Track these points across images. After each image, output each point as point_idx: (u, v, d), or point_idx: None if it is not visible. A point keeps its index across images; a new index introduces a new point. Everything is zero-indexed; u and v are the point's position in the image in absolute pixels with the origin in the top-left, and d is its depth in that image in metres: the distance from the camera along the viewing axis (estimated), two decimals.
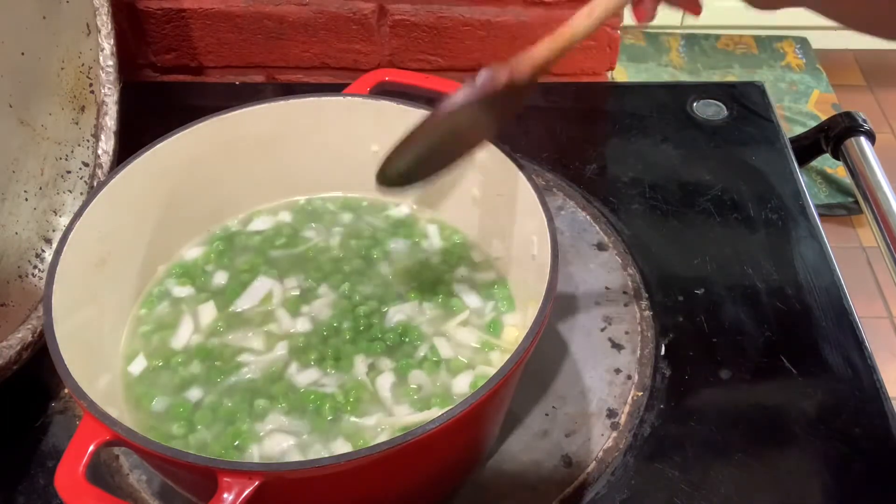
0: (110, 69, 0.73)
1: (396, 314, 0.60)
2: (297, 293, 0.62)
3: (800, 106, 2.05)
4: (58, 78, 0.71)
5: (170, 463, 0.44)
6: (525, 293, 0.60)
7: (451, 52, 0.91)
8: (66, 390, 0.63)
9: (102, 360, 0.56)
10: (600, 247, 0.74)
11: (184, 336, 0.60)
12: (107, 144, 0.73)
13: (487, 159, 0.60)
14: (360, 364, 0.57)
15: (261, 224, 0.68)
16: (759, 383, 0.65)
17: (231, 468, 0.42)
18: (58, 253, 0.52)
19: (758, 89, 0.90)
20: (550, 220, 0.53)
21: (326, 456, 0.52)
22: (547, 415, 0.62)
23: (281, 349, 0.58)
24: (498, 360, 0.58)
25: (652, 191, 0.79)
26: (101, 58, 0.73)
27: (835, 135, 0.83)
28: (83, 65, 0.73)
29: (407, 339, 0.59)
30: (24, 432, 0.62)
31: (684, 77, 2.09)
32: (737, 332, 0.68)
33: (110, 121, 0.73)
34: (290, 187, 0.69)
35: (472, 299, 0.62)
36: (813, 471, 0.60)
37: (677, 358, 0.66)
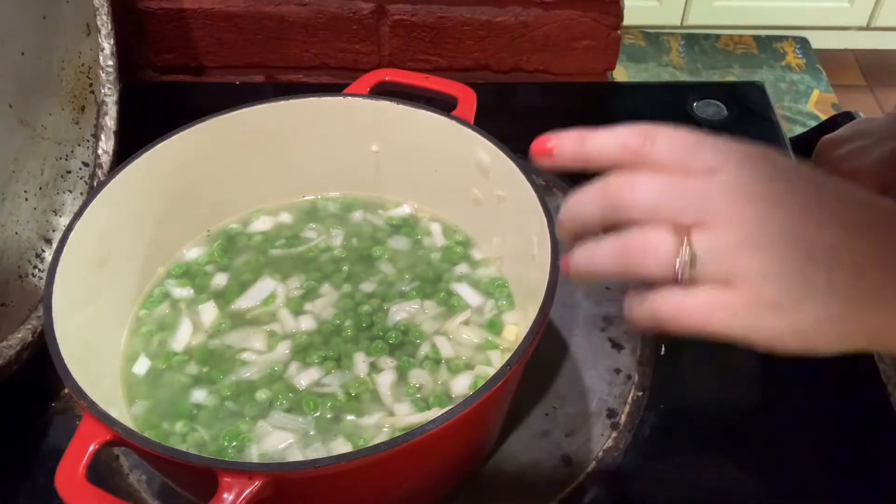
0: (110, 69, 0.73)
1: (398, 312, 0.60)
2: (299, 293, 0.62)
3: (800, 106, 2.05)
4: (58, 78, 0.71)
5: (170, 463, 0.44)
6: (525, 293, 0.60)
7: (451, 52, 0.90)
8: (66, 390, 0.63)
9: (103, 360, 0.56)
10: None
11: (184, 336, 0.60)
12: (107, 144, 0.73)
13: (488, 159, 0.60)
14: (361, 362, 0.57)
15: (261, 224, 0.68)
16: (760, 383, 0.65)
17: (231, 468, 0.42)
18: (58, 253, 0.52)
19: (758, 89, 0.89)
20: (550, 220, 0.53)
21: (326, 455, 0.52)
22: (547, 415, 0.62)
23: (283, 348, 0.58)
24: (498, 359, 0.58)
25: None
26: (101, 58, 0.73)
27: None
28: (83, 65, 0.73)
29: (408, 338, 0.59)
30: (24, 432, 0.62)
31: (684, 77, 2.09)
32: None
33: (110, 121, 0.73)
34: (290, 187, 0.69)
35: (472, 297, 0.62)
36: (814, 471, 0.60)
37: (677, 358, 0.66)
